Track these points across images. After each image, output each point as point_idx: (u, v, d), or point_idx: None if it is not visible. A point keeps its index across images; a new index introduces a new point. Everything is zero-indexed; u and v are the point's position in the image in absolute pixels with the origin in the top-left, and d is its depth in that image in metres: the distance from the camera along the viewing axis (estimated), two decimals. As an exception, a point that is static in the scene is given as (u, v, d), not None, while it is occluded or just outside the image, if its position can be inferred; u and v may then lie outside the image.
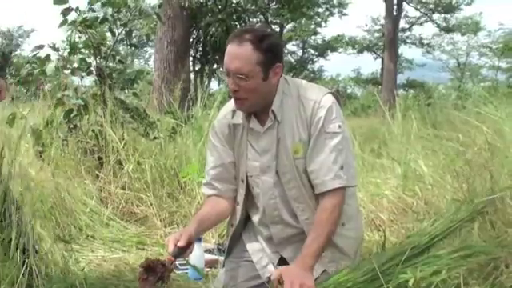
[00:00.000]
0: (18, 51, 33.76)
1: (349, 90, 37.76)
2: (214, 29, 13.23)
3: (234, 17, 14.46)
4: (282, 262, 2.44)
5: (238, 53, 2.16)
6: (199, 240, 3.08)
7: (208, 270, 3.08)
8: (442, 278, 2.00)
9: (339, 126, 2.24)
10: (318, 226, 2.21)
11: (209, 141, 2.49)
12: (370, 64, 68.71)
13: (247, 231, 2.54)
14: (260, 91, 2.21)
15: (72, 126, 4.74)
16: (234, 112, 2.37)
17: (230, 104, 2.40)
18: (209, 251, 3.25)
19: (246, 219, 2.54)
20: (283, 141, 2.27)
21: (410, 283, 1.94)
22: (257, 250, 2.49)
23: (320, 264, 2.28)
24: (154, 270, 2.03)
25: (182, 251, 2.15)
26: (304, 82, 2.38)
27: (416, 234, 2.32)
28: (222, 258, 2.68)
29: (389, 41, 21.76)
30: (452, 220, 2.29)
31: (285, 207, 2.35)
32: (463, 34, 33.70)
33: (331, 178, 2.21)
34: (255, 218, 2.47)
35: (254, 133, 2.33)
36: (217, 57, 15.13)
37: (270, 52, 2.20)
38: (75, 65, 4.89)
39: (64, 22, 4.73)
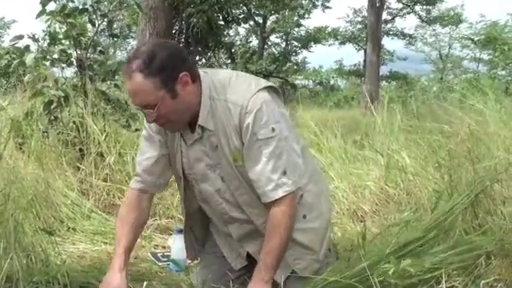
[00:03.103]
0: (-2, 42, 33.30)
1: (331, 82, 37.81)
2: (195, 20, 13.14)
3: (216, 8, 14.37)
4: (250, 256, 2.41)
5: (134, 88, 2.02)
6: (181, 231, 3.06)
7: (189, 261, 3.06)
8: (424, 270, 2.02)
9: (273, 129, 2.09)
10: (269, 237, 2.12)
11: (144, 129, 2.36)
12: (352, 56, 68.80)
13: (213, 224, 2.50)
14: (177, 109, 2.07)
15: (52, 117, 4.68)
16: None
17: None
18: (191, 243, 3.23)
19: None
20: (221, 149, 2.15)
21: (390, 272, 1.95)
22: (224, 243, 2.47)
23: (285, 267, 2.22)
24: None
25: None
26: (233, 77, 2.19)
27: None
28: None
29: (371, 33, 21.76)
30: (440, 215, 2.31)
31: (233, 210, 2.28)
32: (445, 26, 33.86)
33: (272, 189, 2.09)
34: (209, 216, 2.44)
35: (186, 138, 2.23)
36: (199, 48, 15.05)
37: (164, 69, 2.00)
38: (55, 56, 4.83)
39: (42, 12, 4.66)
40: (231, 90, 2.13)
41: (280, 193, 2.09)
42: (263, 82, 2.21)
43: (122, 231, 2.29)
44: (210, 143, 2.17)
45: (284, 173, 2.10)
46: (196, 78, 2.12)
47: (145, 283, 2.32)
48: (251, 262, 2.39)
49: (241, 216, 2.29)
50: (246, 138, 2.09)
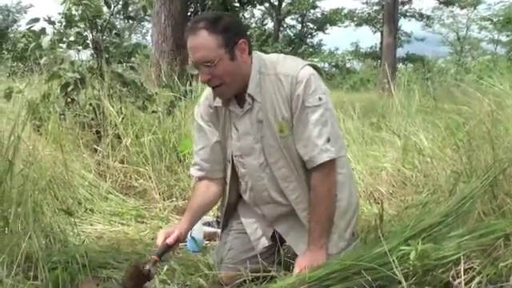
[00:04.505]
0: (15, 26, 33.49)
1: (347, 65, 37.59)
2: (210, 2, 13.10)
3: (232, -10, 14.33)
4: (273, 237, 2.47)
5: (197, 43, 2.16)
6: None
7: (207, 242, 3.08)
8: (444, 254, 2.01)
9: (320, 98, 2.22)
10: (315, 207, 2.26)
11: (195, 122, 2.50)
12: (369, 38, 68.27)
13: (242, 205, 2.56)
14: (232, 72, 2.19)
15: (69, 99, 4.71)
16: (214, 94, 2.36)
17: None
18: (208, 224, 3.25)
19: (240, 195, 2.55)
20: (267, 121, 2.26)
21: (412, 256, 1.95)
22: (250, 222, 2.51)
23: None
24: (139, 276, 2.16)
25: (168, 250, 2.25)
26: (280, 56, 2.35)
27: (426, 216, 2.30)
28: (220, 231, 2.69)
29: (388, 14, 21.54)
30: (459, 200, 2.28)
31: (273, 187, 2.36)
32: (463, 8, 33.46)
33: (317, 153, 2.22)
34: (246, 198, 2.49)
35: (234, 115, 2.32)
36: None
37: (228, 31, 2.17)
38: (71, 38, 4.84)
39: (59, -7, 4.67)
40: (281, 65, 2.27)
41: (324, 157, 2.22)
42: (307, 62, 2.35)
43: (191, 202, 2.47)
44: (256, 117, 2.27)
45: (328, 140, 2.23)
46: (251, 52, 2.27)
47: (165, 267, 2.35)
48: (273, 243, 2.47)
49: (277, 197, 2.36)
50: (297, 106, 2.21)
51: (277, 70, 2.25)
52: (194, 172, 2.50)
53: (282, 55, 2.37)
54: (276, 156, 2.29)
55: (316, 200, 2.26)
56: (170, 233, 2.26)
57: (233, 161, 2.40)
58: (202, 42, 2.14)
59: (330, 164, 2.24)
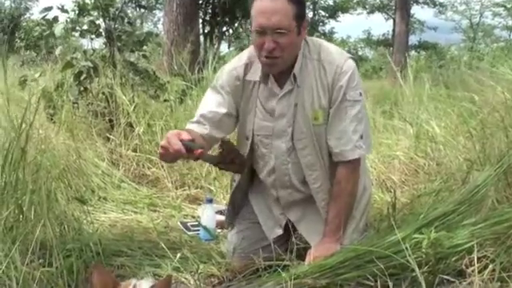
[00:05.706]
0: (27, 15, 33.55)
1: (360, 52, 37.37)
2: (222, -10, 13.05)
3: (244, -22, 14.25)
4: (286, 226, 2.46)
5: (275, 7, 2.06)
6: (210, 201, 3.09)
7: (219, 231, 3.09)
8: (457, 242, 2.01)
9: (360, 94, 2.20)
10: (336, 200, 2.25)
11: (213, 84, 2.38)
12: (381, 25, 67.86)
13: (254, 191, 2.54)
14: (294, 47, 2.15)
15: (82, 88, 4.72)
16: (246, 67, 2.28)
17: (243, 58, 2.30)
18: (220, 212, 3.25)
19: (252, 174, 2.51)
20: (302, 106, 2.21)
21: (424, 244, 1.94)
22: (263, 211, 2.50)
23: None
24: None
25: (194, 141, 2.04)
26: (324, 43, 2.29)
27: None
28: (227, 214, 2.68)
29: (400, 0, 21.37)
30: (472, 188, 2.27)
31: (296, 173, 2.33)
32: (476, -6, 33.12)
33: (350, 149, 2.20)
34: (263, 177, 2.44)
35: (270, 93, 2.25)
36: (226, 19, 14.97)
37: (301, 4, 2.13)
38: (84, 27, 4.84)
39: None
40: (325, 51, 2.22)
41: (356, 154, 2.21)
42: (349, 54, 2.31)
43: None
44: (294, 100, 2.22)
45: (361, 137, 2.22)
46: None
47: (178, 255, 2.36)
48: (286, 232, 2.45)
49: (298, 184, 2.34)
50: (338, 97, 2.18)
51: (321, 56, 2.20)
52: (190, 125, 2.30)
53: (324, 41, 2.32)
54: (305, 142, 2.25)
55: (339, 194, 2.25)
56: (178, 135, 1.99)
57: (253, 139, 2.34)
58: (282, 7, 2.06)
59: (358, 161, 2.24)
